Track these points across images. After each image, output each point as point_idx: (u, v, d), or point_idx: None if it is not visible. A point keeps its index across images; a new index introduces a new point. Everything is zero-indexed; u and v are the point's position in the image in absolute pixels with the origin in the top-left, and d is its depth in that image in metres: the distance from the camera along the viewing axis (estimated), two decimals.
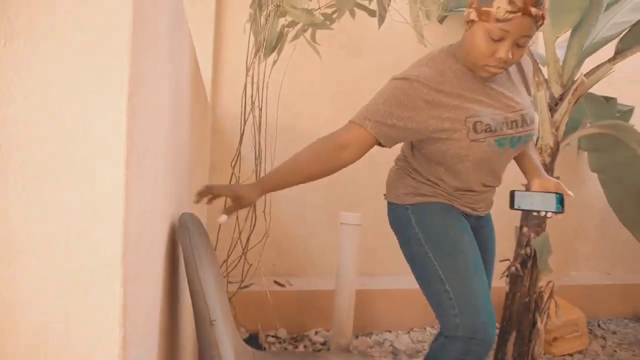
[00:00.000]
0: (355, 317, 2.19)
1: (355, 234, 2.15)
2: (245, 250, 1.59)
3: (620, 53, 1.95)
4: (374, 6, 1.50)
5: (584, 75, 1.88)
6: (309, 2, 1.35)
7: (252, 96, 1.40)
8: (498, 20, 1.04)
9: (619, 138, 2.30)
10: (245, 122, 1.47)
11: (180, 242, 0.92)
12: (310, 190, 2.66)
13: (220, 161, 2.48)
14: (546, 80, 1.97)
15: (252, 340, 2.24)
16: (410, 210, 1.26)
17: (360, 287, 2.22)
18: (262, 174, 1.48)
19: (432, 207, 1.25)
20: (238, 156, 1.47)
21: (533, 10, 1.02)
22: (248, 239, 1.59)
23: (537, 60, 2.06)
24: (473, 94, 1.14)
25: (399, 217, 1.30)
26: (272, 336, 2.39)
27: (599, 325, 2.87)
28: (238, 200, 1.08)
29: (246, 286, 2.41)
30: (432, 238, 1.23)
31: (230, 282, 2.37)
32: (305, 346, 2.32)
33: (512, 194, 1.22)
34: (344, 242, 2.16)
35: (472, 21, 1.09)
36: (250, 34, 1.37)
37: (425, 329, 2.53)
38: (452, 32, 2.84)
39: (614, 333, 2.76)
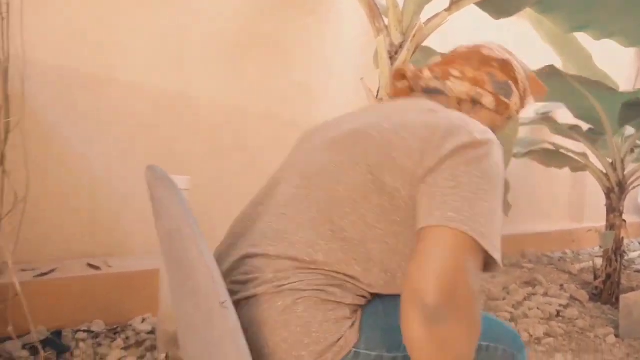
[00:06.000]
0: None
1: None
2: None
3: (455, 3, 1.91)
4: None
5: (423, 23, 1.79)
6: None
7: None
8: (509, 118, 0.90)
9: None
10: None
11: (160, 202, 0.66)
12: (127, 153, 2.22)
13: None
14: (386, 27, 1.85)
15: (53, 342, 1.78)
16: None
17: None
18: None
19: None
20: None
21: None
22: None
23: (379, 8, 1.93)
24: None
25: None
26: (84, 331, 1.94)
27: None
28: None
29: (44, 273, 1.92)
30: None
31: (24, 271, 1.87)
32: (127, 337, 1.94)
33: None
34: None
35: (481, 105, 0.87)
36: None
37: None
38: None
39: None
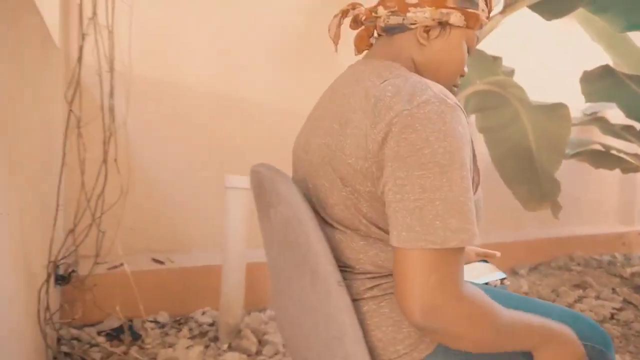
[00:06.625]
0: (245, 292, 1.98)
1: (244, 199, 1.91)
2: (94, 217, 1.26)
3: (509, 6, 1.94)
4: None
5: None
6: None
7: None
8: (481, 27, 0.82)
9: (505, 97, 2.36)
10: (82, 39, 1.12)
11: (278, 192, 0.71)
12: (188, 152, 2.35)
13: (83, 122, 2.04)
14: None
15: (125, 330, 1.91)
16: None
17: (248, 260, 1.99)
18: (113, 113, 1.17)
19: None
20: (76, 87, 1.12)
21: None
22: (97, 200, 1.26)
23: None
24: None
25: None
26: (151, 321, 2.07)
27: None
28: None
29: (115, 266, 2.06)
30: None
31: (98, 264, 2.00)
32: (190, 329, 2.05)
33: None
34: (231, 209, 1.91)
35: (451, 26, 0.78)
36: None
37: None
38: None
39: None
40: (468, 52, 0.85)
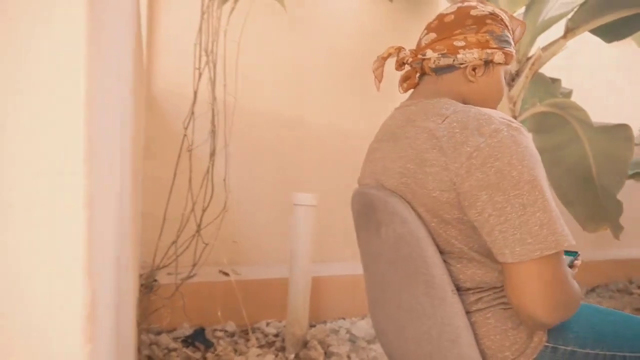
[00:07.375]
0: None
1: (311, 215, 2.02)
2: (199, 228, 1.39)
3: (570, 31, 1.99)
4: None
5: (541, 49, 1.89)
6: None
7: (207, 47, 1.20)
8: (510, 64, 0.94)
9: (563, 118, 2.38)
10: (200, 74, 1.27)
11: (393, 211, 0.79)
12: (256, 171, 2.49)
13: (156, 143, 2.22)
14: None
15: (198, 336, 2.03)
16: None
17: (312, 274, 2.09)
18: (218, 141, 1.31)
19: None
20: (191, 116, 1.26)
21: None
22: (202, 214, 1.40)
23: None
24: None
25: None
26: (220, 330, 2.19)
27: None
28: None
29: (189, 277, 2.20)
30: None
31: (169, 274, 2.14)
32: (257, 339, 2.15)
33: None
34: (299, 225, 2.01)
35: (494, 64, 0.89)
36: None
37: None
38: (402, 11, 2.81)
39: None
40: None
